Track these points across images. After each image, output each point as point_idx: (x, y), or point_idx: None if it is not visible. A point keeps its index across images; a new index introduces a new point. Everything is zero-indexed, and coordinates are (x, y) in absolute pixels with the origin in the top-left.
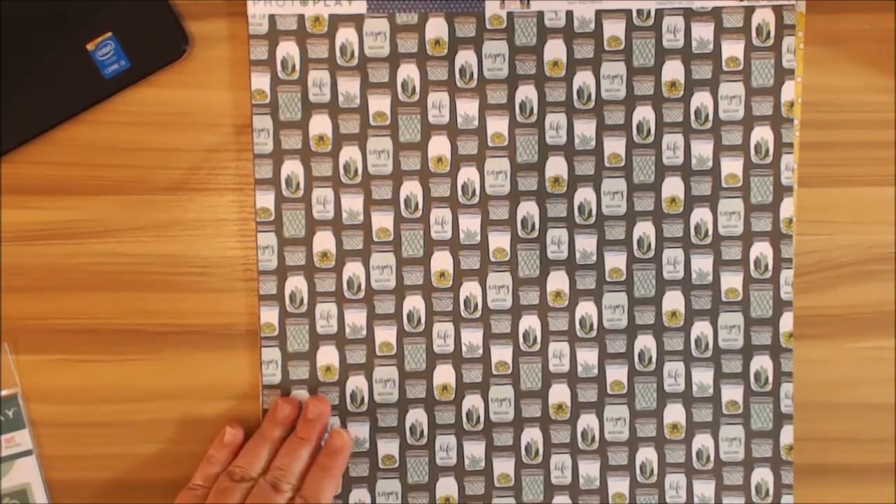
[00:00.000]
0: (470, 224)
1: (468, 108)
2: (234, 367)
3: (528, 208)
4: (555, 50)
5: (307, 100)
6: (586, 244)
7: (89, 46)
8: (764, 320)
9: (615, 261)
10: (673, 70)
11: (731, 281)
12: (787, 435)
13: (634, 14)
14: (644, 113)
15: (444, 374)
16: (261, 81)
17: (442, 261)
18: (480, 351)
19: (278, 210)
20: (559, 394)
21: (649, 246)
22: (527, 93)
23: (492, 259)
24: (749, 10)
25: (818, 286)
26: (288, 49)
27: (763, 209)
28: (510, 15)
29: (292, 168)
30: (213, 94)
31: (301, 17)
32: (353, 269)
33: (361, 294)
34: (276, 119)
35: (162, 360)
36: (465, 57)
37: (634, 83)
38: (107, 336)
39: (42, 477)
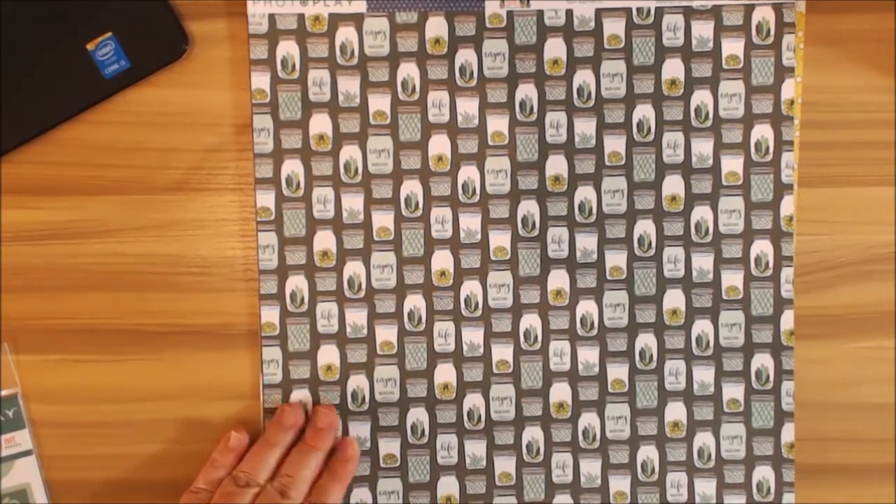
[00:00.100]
0: (470, 223)
1: (468, 106)
2: (235, 367)
3: (529, 207)
4: (555, 48)
5: (307, 99)
6: (587, 243)
7: (89, 46)
8: (765, 318)
9: (616, 259)
10: (673, 68)
11: (732, 279)
12: (788, 433)
13: (634, 12)
14: (644, 111)
15: (445, 373)
16: (261, 81)
17: (442, 260)
18: (481, 350)
19: (279, 209)
20: (560, 392)
21: (650, 244)
22: (527, 91)
23: (492, 258)
24: (749, 8)
25: (818, 286)
26: (288, 48)
27: (763, 207)
28: (510, 14)
29: (292, 167)
30: (213, 93)
31: (301, 17)
32: (353, 268)
33: (362, 293)
34: (277, 118)
35: (162, 360)
36: (465, 56)
37: (634, 81)
38: (107, 336)
39: (42, 477)
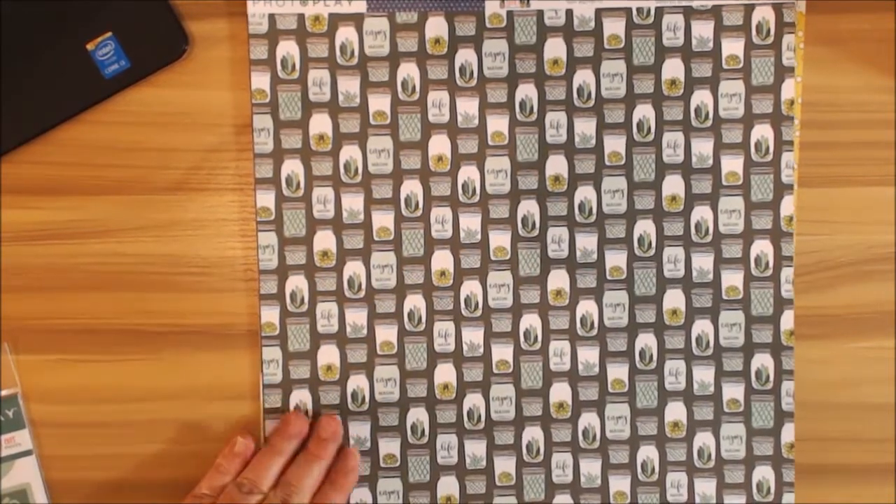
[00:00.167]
0: (470, 223)
1: (468, 106)
2: (235, 367)
3: (529, 207)
4: (555, 48)
5: (307, 99)
6: (587, 243)
7: (89, 46)
8: (765, 318)
9: (616, 259)
10: (673, 68)
11: (732, 279)
12: (788, 433)
13: (634, 12)
14: (644, 111)
15: (445, 373)
16: (261, 81)
17: (442, 260)
18: (481, 350)
19: (279, 209)
20: (560, 392)
21: (650, 244)
22: (527, 91)
23: (492, 258)
24: (749, 8)
25: (818, 286)
26: (288, 48)
27: (763, 207)
28: (510, 14)
29: (292, 167)
30: (213, 93)
31: (301, 17)
32: (353, 268)
33: (362, 293)
34: (277, 118)
35: (162, 360)
36: (465, 56)
37: (634, 81)
38: (107, 336)
39: (42, 477)
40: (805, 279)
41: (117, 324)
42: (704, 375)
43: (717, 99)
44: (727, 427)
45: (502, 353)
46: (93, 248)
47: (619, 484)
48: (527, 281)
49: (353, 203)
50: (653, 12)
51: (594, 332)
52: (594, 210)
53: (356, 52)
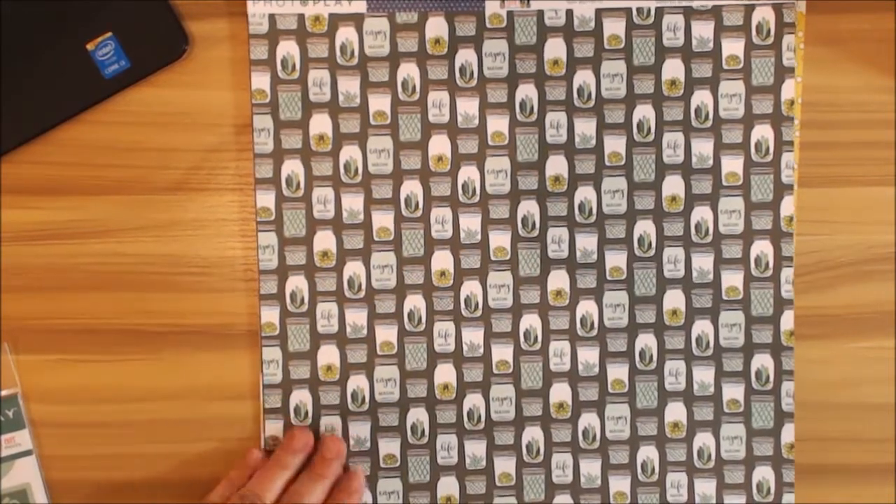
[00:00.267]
0: (470, 223)
1: (468, 107)
2: (235, 367)
3: (529, 207)
4: (555, 49)
5: (307, 99)
6: (587, 243)
7: (89, 46)
8: (765, 318)
9: (616, 259)
10: (673, 68)
11: (732, 279)
12: (787, 433)
13: (634, 12)
14: (644, 111)
15: (445, 374)
16: (261, 81)
17: (442, 260)
18: (481, 350)
19: (279, 209)
20: (560, 393)
21: (650, 244)
22: (527, 92)
23: (492, 258)
24: (749, 9)
25: (818, 286)
26: (288, 48)
27: (763, 207)
28: (510, 14)
29: (293, 167)
30: (213, 94)
31: (301, 17)
32: (353, 268)
33: (362, 293)
34: (277, 118)
35: (162, 360)
36: (466, 56)
37: (635, 82)
38: (107, 336)
39: (42, 477)
40: (805, 279)
41: (117, 324)
42: (704, 376)
43: (718, 99)
44: (727, 427)
45: (502, 353)
46: (93, 248)
47: (619, 484)
48: (527, 281)
49: (353, 203)
50: (653, 12)
51: (594, 332)
52: (594, 210)
53: (356, 53)
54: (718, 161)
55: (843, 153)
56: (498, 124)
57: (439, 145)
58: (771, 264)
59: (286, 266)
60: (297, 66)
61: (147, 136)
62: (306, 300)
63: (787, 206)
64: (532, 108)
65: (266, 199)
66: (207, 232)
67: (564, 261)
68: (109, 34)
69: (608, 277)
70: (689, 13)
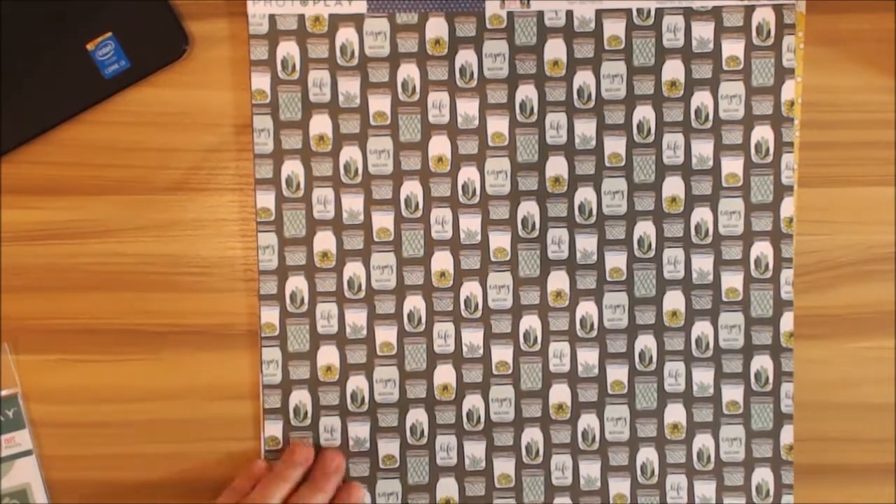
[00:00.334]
0: (470, 224)
1: (468, 107)
2: (235, 367)
3: (529, 208)
4: (555, 49)
5: (307, 100)
6: (587, 244)
7: (89, 46)
8: (764, 320)
9: (615, 260)
10: (673, 69)
11: (732, 280)
12: (787, 435)
13: (634, 13)
14: (644, 112)
15: (445, 374)
16: (261, 81)
17: (442, 261)
18: (481, 351)
19: (279, 210)
20: (559, 394)
21: (650, 246)
22: (527, 92)
23: (492, 259)
24: (749, 10)
25: (818, 286)
26: (288, 49)
27: (763, 209)
28: (510, 14)
29: (293, 168)
30: (213, 94)
31: (301, 17)
32: (353, 268)
33: (362, 294)
34: (277, 119)
35: (162, 360)
36: (466, 56)
37: (635, 83)
38: (107, 336)
39: (42, 477)
40: (805, 279)
41: (117, 324)
42: (704, 377)
43: (718, 100)
44: (727, 429)
45: (502, 354)
46: (93, 248)
47: (619, 486)
48: (527, 282)
49: (353, 204)
50: (653, 13)
51: (594, 333)
52: (594, 211)
53: (356, 53)
54: (718, 162)
55: (843, 153)
56: (498, 125)
57: (439, 146)
58: (771, 265)
59: (286, 266)
60: (298, 67)
61: (147, 136)
62: (306, 300)
63: (787, 207)
64: (532, 109)
65: (266, 199)
66: (207, 232)
67: (564, 262)
68: (109, 34)
69: (608, 278)
70: (690, 14)
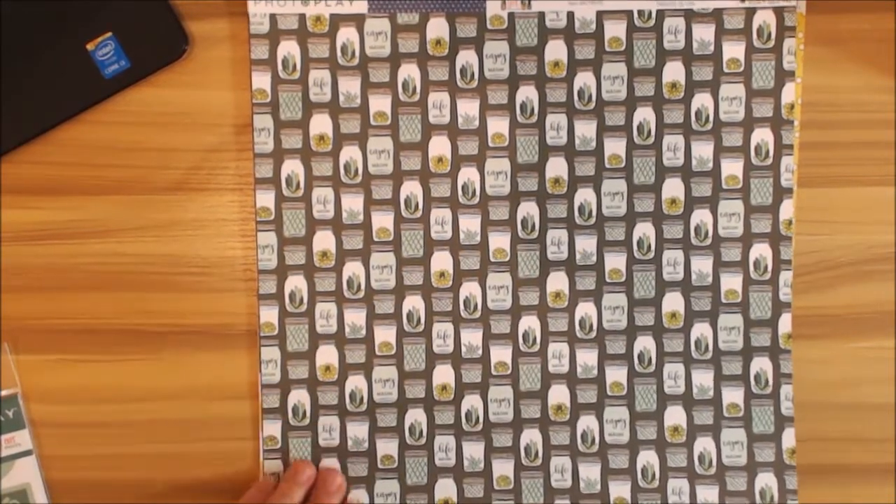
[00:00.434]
0: (470, 224)
1: (469, 108)
2: (234, 366)
3: (529, 209)
4: (556, 50)
5: (308, 99)
6: (586, 245)
7: (89, 46)
8: (763, 322)
9: (615, 262)
10: (674, 71)
11: (731, 282)
12: (788, 438)
13: (635, 15)
14: (644, 114)
15: (444, 375)
16: (261, 81)
17: (442, 261)
18: (480, 351)
19: (278, 209)
20: (559, 394)
21: (649, 247)
22: (527, 93)
23: (492, 259)
24: (750, 12)
25: (818, 286)
26: (289, 48)
27: (763, 211)
28: (511, 15)
29: (293, 167)
30: (214, 93)
31: (302, 17)
32: (352, 268)
33: (361, 294)
34: (277, 118)
35: (162, 360)
36: (466, 57)
37: (635, 84)
38: (107, 336)
39: (42, 477)
40: (805, 279)
41: (117, 324)
42: (704, 379)
43: (718, 102)
44: (727, 432)
45: (501, 354)
46: (93, 248)
47: (620, 490)
48: (526, 283)
49: (353, 203)
50: (654, 15)
51: (593, 334)
52: (594, 212)
53: (357, 53)
54: (718, 164)
55: (843, 153)
56: (498, 126)
57: (439, 146)
58: (770, 267)
59: (285, 266)
60: (298, 66)
61: (147, 136)
62: (305, 300)
63: (787, 209)
64: (532, 110)
65: (266, 199)
66: (207, 232)
67: (564, 262)
68: (109, 34)
69: (607, 279)
70: (690, 16)
